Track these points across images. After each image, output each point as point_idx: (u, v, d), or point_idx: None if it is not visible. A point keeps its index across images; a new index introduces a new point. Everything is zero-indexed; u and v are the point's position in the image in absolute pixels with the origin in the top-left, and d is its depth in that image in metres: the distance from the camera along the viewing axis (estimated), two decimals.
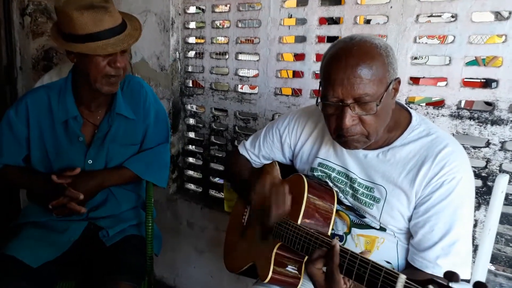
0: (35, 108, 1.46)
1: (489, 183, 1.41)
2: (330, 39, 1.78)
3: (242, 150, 1.44)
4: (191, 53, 2.23)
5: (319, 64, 1.09)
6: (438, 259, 0.98)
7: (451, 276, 0.68)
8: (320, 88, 1.06)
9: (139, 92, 1.55)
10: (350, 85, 0.95)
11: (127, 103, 1.51)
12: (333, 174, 1.18)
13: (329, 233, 1.12)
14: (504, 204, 1.23)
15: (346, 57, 0.97)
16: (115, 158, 1.52)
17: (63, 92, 1.46)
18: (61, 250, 1.41)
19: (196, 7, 2.18)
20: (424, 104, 1.57)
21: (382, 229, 1.10)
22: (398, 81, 1.03)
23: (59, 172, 1.43)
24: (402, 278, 0.76)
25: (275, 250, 1.13)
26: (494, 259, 1.42)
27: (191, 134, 2.31)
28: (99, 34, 1.29)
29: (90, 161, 1.49)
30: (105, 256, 1.42)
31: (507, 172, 1.35)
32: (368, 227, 1.12)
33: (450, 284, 0.67)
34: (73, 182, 1.41)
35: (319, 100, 1.04)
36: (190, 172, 2.35)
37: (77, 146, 1.48)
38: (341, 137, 1.04)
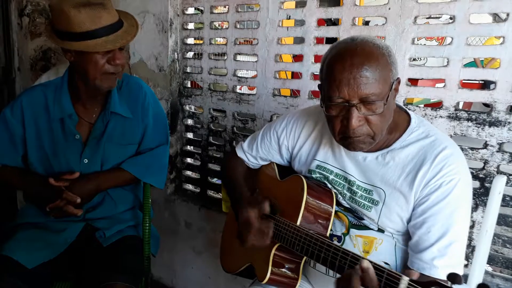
0: (30, 107, 1.45)
1: (487, 184, 1.41)
2: (329, 40, 1.79)
3: (239, 152, 1.43)
4: (190, 54, 2.23)
5: (317, 65, 1.08)
6: (434, 260, 0.98)
7: (454, 278, 0.68)
8: (322, 91, 1.05)
9: (137, 92, 1.54)
10: (357, 85, 0.94)
11: (124, 102, 1.50)
12: (331, 177, 1.18)
13: (327, 234, 1.12)
14: (501, 205, 1.23)
15: (351, 57, 0.96)
16: (112, 158, 1.51)
17: (59, 90, 1.45)
18: (58, 251, 1.40)
19: (195, 8, 2.18)
20: (422, 105, 1.57)
21: (381, 230, 1.10)
22: (398, 80, 1.03)
23: (57, 175, 1.42)
24: (405, 280, 0.76)
25: (273, 251, 1.13)
26: (491, 260, 1.42)
27: (190, 135, 2.31)
28: (97, 31, 1.27)
29: (85, 160, 1.48)
30: (101, 257, 1.42)
31: (505, 174, 1.35)
32: (367, 228, 1.12)
33: (453, 286, 0.68)
34: (70, 185, 1.40)
35: (323, 102, 1.02)
36: (188, 173, 2.35)
37: (73, 145, 1.47)
38: (346, 139, 1.02)
